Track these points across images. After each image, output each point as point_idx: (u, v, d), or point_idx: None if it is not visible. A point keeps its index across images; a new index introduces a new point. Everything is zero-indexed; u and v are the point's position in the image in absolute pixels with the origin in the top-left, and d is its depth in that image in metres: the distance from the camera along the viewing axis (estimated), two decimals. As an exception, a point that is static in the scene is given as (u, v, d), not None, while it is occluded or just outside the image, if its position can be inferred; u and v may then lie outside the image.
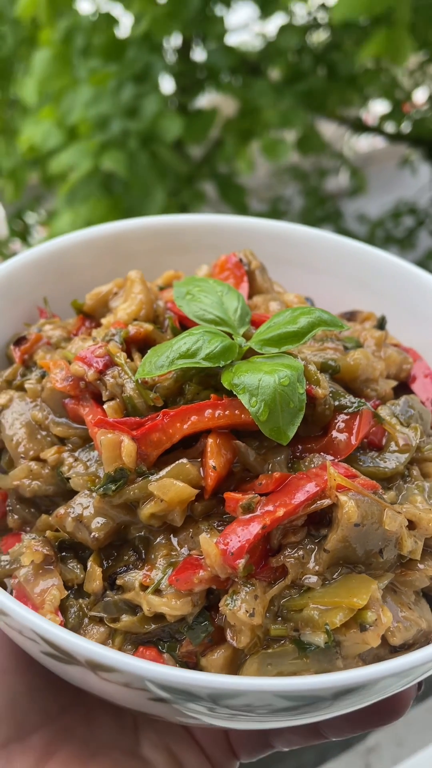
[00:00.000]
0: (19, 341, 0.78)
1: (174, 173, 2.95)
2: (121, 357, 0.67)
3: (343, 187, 6.52)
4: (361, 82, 3.66)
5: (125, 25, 3.21)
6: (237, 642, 0.59)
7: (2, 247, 4.89)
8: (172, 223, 0.92)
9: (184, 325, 0.73)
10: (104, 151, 2.55)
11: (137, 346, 0.71)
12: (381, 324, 0.84)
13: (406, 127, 5.09)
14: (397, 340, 0.87)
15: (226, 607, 0.59)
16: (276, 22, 3.81)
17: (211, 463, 0.62)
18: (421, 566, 0.64)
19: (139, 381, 0.66)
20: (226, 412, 0.63)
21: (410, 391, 0.80)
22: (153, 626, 0.62)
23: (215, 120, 3.28)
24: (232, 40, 3.79)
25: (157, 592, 0.61)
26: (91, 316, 0.80)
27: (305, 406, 0.64)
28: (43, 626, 0.52)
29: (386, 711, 0.68)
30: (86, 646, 0.51)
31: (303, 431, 0.66)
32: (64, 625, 0.62)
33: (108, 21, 3.00)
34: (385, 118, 4.83)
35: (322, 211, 5.76)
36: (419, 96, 4.96)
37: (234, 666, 0.61)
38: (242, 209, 3.85)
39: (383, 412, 0.71)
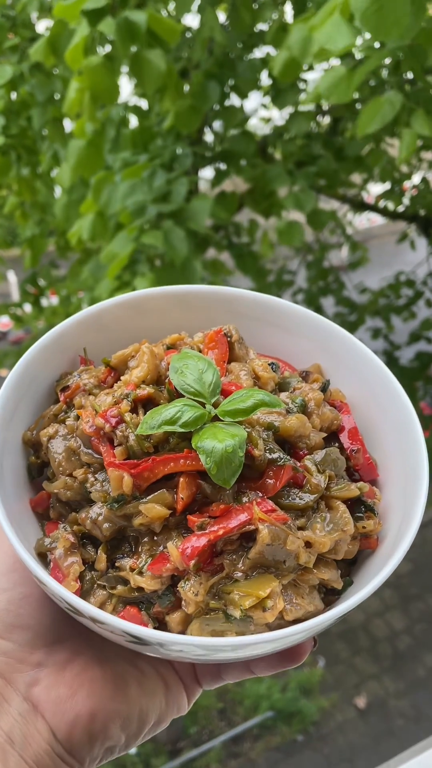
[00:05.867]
0: (63, 389, 1.12)
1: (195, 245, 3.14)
2: (128, 417, 1.00)
3: (344, 261, 6.63)
4: (367, 162, 3.77)
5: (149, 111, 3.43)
6: (188, 609, 0.93)
7: (15, 309, 5.08)
8: (181, 290, 1.22)
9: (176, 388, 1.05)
10: (142, 234, 2.79)
11: (142, 402, 1.04)
12: (324, 387, 1.15)
13: (402, 206, 5.24)
14: (341, 393, 1.18)
15: (182, 588, 0.93)
16: (285, 109, 4.03)
17: (181, 495, 0.95)
18: (314, 571, 0.97)
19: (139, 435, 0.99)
20: (193, 462, 0.96)
21: (339, 440, 1.11)
22: (136, 594, 0.96)
23: (237, 201, 3.44)
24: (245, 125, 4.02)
25: (140, 573, 0.95)
26: (115, 369, 1.13)
27: (246, 459, 0.96)
28: (64, 593, 0.88)
29: (291, 657, 1.02)
30: (88, 608, 0.86)
31: (247, 473, 0.97)
32: (81, 588, 0.97)
33: (136, 112, 3.26)
34: (383, 196, 4.97)
35: (324, 283, 5.91)
36: (415, 178, 5.07)
37: (186, 623, 0.95)
38: (261, 277, 4.04)
39: (307, 461, 1.02)
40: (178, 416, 0.96)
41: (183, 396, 1.01)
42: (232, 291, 1.23)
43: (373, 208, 5.91)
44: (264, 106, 5.13)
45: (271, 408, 0.98)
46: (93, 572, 0.99)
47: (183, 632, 0.95)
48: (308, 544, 0.96)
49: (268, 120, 5.28)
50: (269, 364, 1.14)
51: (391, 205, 5.66)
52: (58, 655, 0.98)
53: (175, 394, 1.03)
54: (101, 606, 0.97)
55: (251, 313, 1.23)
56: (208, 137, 4.16)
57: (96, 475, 1.02)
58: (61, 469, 1.04)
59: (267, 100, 4.92)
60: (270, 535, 0.91)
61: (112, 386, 1.12)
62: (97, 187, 3.19)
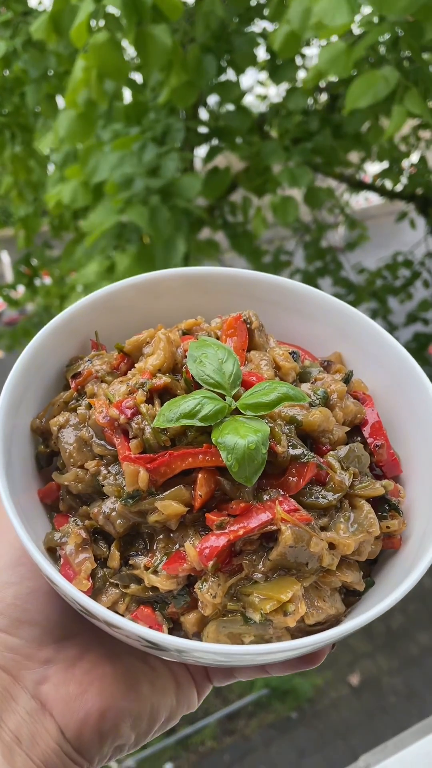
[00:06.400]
0: (75, 375, 1.06)
1: (190, 224, 3.10)
2: (144, 408, 0.95)
3: (341, 242, 6.61)
4: (365, 140, 3.71)
5: (144, 85, 3.35)
6: (204, 611, 0.89)
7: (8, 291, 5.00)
8: (197, 272, 1.17)
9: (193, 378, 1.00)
10: (128, 207, 2.74)
11: (158, 392, 0.99)
12: (347, 378, 1.10)
13: (400, 185, 5.20)
14: (363, 384, 1.13)
15: (198, 589, 0.89)
16: (282, 86, 4.01)
17: (199, 492, 0.91)
18: (337, 573, 0.93)
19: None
20: (213, 458, 0.91)
21: (361, 434, 1.06)
22: (150, 594, 0.92)
23: (230, 177, 3.37)
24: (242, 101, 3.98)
25: (155, 572, 0.91)
26: (129, 355, 1.08)
27: (268, 455, 0.91)
28: (76, 594, 0.83)
29: (308, 659, 0.98)
30: (103, 611, 0.82)
31: (268, 470, 0.93)
32: (93, 587, 0.93)
33: (130, 86, 3.19)
34: (381, 175, 4.93)
35: (322, 263, 5.87)
36: (413, 157, 5.04)
37: (202, 624, 0.91)
38: (256, 258, 4.00)
39: (331, 457, 0.98)
40: (197, 409, 0.91)
41: (201, 387, 0.96)
42: (249, 274, 1.18)
43: (371, 187, 5.86)
44: (260, 83, 5.08)
45: (294, 402, 0.93)
46: (105, 569, 0.95)
47: (198, 633, 0.91)
48: (331, 546, 0.92)
49: (264, 97, 5.22)
50: (290, 353, 1.08)
51: (389, 185, 5.62)
52: (67, 651, 0.95)
53: (192, 385, 0.98)
54: (113, 605, 0.93)
55: (269, 297, 1.18)
56: (203, 115, 4.10)
57: (109, 468, 0.97)
58: (72, 460, 0.99)
59: (263, 77, 4.87)
60: (293, 536, 0.87)
61: (125, 373, 1.07)
62: (86, 154, 3.15)
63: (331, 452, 0.98)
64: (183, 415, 0.91)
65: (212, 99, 4.03)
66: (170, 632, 0.93)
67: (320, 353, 1.18)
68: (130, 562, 0.94)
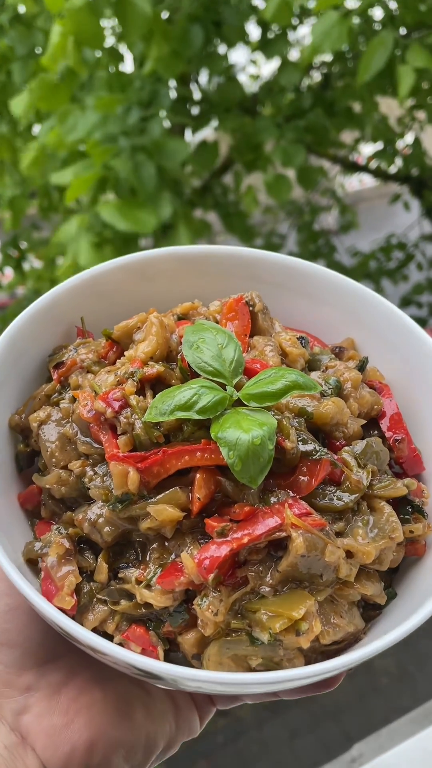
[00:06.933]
0: (57, 365, 0.95)
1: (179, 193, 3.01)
2: (134, 400, 0.83)
3: (334, 225, 6.57)
4: (359, 118, 3.65)
5: (130, 60, 3.30)
6: (204, 631, 0.78)
7: None
8: (192, 252, 1.05)
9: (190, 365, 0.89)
10: (112, 159, 2.66)
11: (151, 382, 0.88)
12: (362, 365, 0.98)
13: (395, 167, 5.17)
14: (379, 372, 1.02)
15: (198, 606, 0.78)
16: (273, 64, 3.98)
17: (197, 495, 0.80)
18: (355, 585, 0.82)
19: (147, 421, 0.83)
20: (212, 456, 0.80)
21: (379, 427, 0.95)
22: (143, 611, 0.81)
23: (218, 152, 3.34)
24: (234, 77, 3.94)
25: (148, 586, 0.80)
26: (118, 343, 0.96)
27: (276, 452, 0.80)
28: (56, 616, 0.72)
29: (323, 684, 0.87)
30: (87, 636, 0.71)
31: (275, 468, 0.82)
32: (78, 603, 0.82)
33: (113, 57, 3.12)
34: (375, 156, 4.92)
35: (315, 246, 5.79)
36: (407, 138, 5.03)
37: (202, 645, 0.80)
38: (249, 237, 3.92)
39: (346, 453, 0.87)
40: (194, 400, 0.80)
41: (199, 376, 0.85)
42: (251, 252, 1.06)
43: (365, 168, 5.78)
44: (253, 62, 4.98)
45: (304, 391, 0.82)
46: (92, 584, 0.84)
47: (199, 655, 0.80)
48: (349, 554, 0.81)
49: (256, 77, 5.13)
50: (298, 339, 0.97)
51: (383, 166, 5.53)
52: (50, 676, 0.84)
53: (189, 374, 0.87)
54: (101, 624, 0.82)
55: (273, 278, 1.06)
56: (196, 95, 4.01)
57: (95, 469, 0.86)
58: (54, 460, 0.88)
59: (255, 57, 4.78)
60: (305, 544, 0.76)
61: (114, 363, 0.95)
62: (63, 115, 2.99)
63: (346, 448, 0.87)
64: (178, 407, 0.80)
65: (204, 78, 3.95)
66: (167, 654, 0.82)
67: (330, 340, 1.07)
68: (120, 575, 0.83)
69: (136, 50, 3.16)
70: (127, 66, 3.46)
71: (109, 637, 0.82)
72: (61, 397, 0.93)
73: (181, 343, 0.91)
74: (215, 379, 0.84)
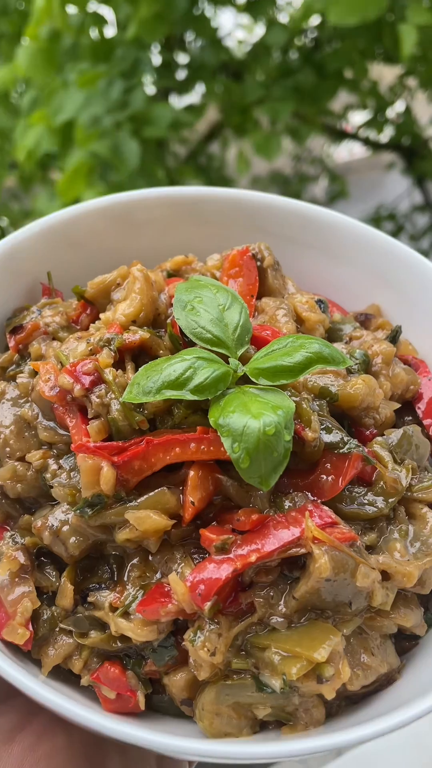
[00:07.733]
0: (15, 329, 0.76)
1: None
2: (109, 374, 0.65)
3: (323, 196, 6.54)
4: (350, 81, 3.68)
5: (113, 23, 3.26)
6: (198, 674, 0.61)
7: None
8: (188, 193, 0.87)
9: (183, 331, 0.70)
10: (94, 141, 2.68)
11: (132, 352, 0.69)
12: (395, 336, 0.80)
13: (385, 136, 5.11)
14: (412, 346, 0.84)
15: (190, 643, 0.60)
16: (261, 30, 3.89)
17: (190, 498, 0.62)
18: (392, 615, 0.64)
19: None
20: (211, 448, 0.62)
21: (414, 413, 0.77)
22: (119, 645, 0.65)
23: (204, 112, 3.40)
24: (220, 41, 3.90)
25: (125, 615, 0.63)
26: (92, 303, 0.77)
27: (295, 442, 0.62)
28: (12, 674, 0.55)
29: None
30: (34, 690, 0.54)
31: (291, 464, 0.64)
32: (34, 635, 0.64)
33: (96, 21, 3.07)
34: (365, 125, 4.86)
35: None
36: (398, 106, 4.97)
37: (194, 689, 0.64)
38: None
39: (377, 445, 0.69)
40: (188, 376, 0.63)
41: (195, 345, 0.67)
42: (258, 197, 0.89)
43: (355, 137, 5.69)
44: (240, 26, 4.85)
45: (329, 366, 0.64)
46: (53, 608, 0.66)
47: (190, 700, 0.64)
48: (385, 575, 0.63)
49: (243, 42, 5.01)
50: (316, 302, 0.79)
51: (373, 136, 5.43)
52: (1, 719, 0.69)
53: (181, 342, 0.69)
54: (66, 661, 0.65)
55: (284, 230, 0.88)
56: (182, 59, 3.89)
57: (60, 462, 0.69)
58: (8, 449, 0.71)
59: (243, 20, 4.67)
60: (332, 564, 0.58)
61: (87, 328, 0.77)
62: (49, 94, 2.97)
63: (378, 438, 0.70)
64: (167, 384, 0.62)
65: (190, 40, 3.83)
66: (149, 698, 0.65)
67: (352, 306, 0.88)
68: (90, 599, 0.66)
69: (122, 12, 3.06)
70: (110, 31, 3.34)
71: (76, 678, 0.64)
72: (19, 369, 0.76)
73: (171, 305, 0.73)
74: (215, 349, 0.66)
